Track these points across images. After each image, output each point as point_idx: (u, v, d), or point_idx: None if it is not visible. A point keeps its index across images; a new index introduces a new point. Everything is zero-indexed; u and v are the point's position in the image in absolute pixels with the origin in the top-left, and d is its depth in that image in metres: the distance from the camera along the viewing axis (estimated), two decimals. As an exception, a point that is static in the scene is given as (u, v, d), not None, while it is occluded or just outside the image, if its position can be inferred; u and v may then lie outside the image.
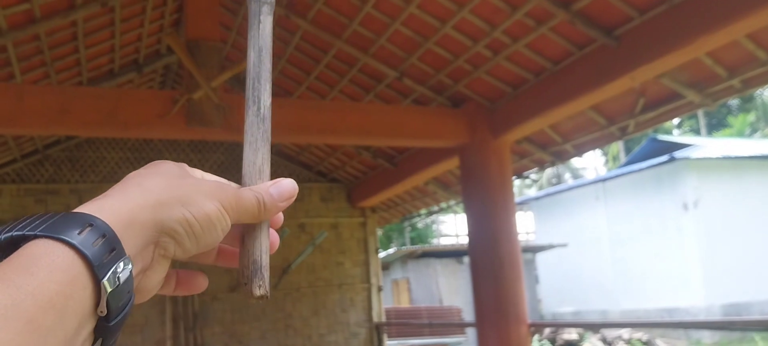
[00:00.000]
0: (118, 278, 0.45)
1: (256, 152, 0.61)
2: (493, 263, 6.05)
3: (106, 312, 0.45)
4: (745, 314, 14.85)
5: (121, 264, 0.46)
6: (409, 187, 8.71)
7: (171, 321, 8.37)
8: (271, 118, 0.67)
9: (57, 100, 5.20)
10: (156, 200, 0.51)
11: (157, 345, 8.33)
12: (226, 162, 9.20)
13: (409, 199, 9.62)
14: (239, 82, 7.99)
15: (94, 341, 0.46)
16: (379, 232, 11.93)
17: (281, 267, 9.19)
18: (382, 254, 15.88)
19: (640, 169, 17.61)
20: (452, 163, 7.22)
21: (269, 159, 0.61)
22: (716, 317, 14.91)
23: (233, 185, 0.60)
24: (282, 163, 9.47)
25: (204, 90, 5.38)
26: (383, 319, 9.95)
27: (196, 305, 8.53)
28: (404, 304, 17.55)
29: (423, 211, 10.52)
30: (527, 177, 7.59)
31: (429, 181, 8.48)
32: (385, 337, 9.77)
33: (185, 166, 0.58)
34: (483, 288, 6.12)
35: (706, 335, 15.84)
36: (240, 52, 6.90)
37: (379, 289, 9.84)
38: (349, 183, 9.68)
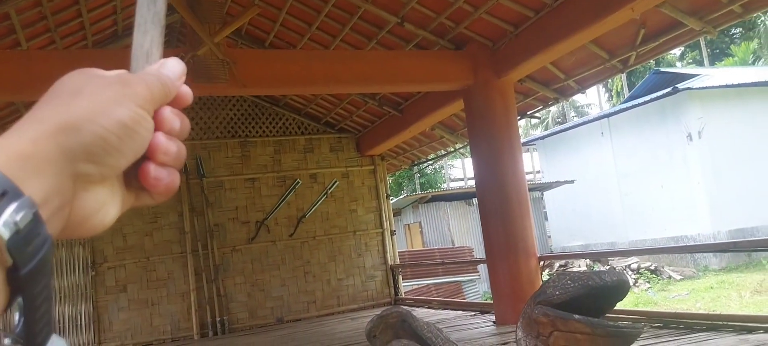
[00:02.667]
0: (16, 222, 0.40)
1: (145, 35, 0.55)
2: (501, 200, 6.25)
3: (11, 262, 0.40)
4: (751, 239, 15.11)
5: (15, 206, 0.40)
6: (415, 133, 8.87)
7: (194, 274, 8.69)
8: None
9: (64, 65, 5.24)
10: (56, 126, 0.45)
11: (182, 297, 8.67)
12: (235, 117, 9.35)
13: (417, 145, 9.80)
14: (242, 36, 8.09)
15: (11, 295, 0.41)
16: (390, 179, 12.16)
17: (296, 216, 9.45)
18: (393, 200, 16.15)
19: (644, 103, 17.64)
20: (457, 107, 7.36)
21: (160, 43, 0.55)
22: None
23: (132, 76, 0.51)
24: (290, 116, 9.62)
25: (207, 46, 5.51)
26: (398, 261, 10.25)
27: (217, 258, 8.84)
28: (417, 247, 17.94)
29: (431, 156, 10.70)
30: (532, 116, 7.73)
31: (435, 126, 8.64)
32: (400, 278, 10.09)
33: (87, 70, 0.51)
34: (492, 225, 6.34)
35: (713, 262, 16.17)
36: (241, 6, 6.97)
37: (392, 233, 10.11)
38: (357, 133, 9.84)
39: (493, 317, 6.59)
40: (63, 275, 8.18)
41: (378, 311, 8.20)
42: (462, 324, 6.76)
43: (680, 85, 16.60)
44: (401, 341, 1.55)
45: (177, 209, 8.81)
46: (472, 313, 7.53)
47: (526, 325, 1.88)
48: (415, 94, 7.84)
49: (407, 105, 8.16)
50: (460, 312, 7.83)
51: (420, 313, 8.27)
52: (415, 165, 11.37)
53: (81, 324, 8.18)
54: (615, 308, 1.89)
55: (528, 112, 7.51)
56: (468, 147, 8.28)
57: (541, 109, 7.54)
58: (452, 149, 10.22)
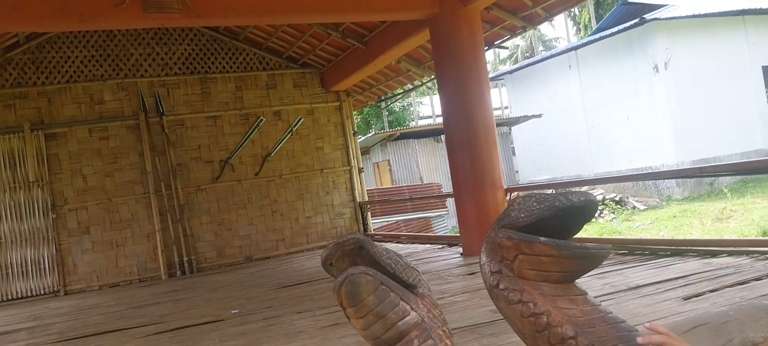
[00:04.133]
0: None
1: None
2: (468, 133, 6.17)
3: None
4: (712, 168, 15.42)
5: None
6: (381, 67, 8.68)
7: (158, 215, 8.52)
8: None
9: (6, -3, 4.99)
10: None
11: (147, 238, 8.52)
12: (194, 52, 9.01)
13: (384, 79, 9.60)
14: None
15: None
16: (357, 117, 11.96)
17: (261, 155, 9.27)
18: (361, 139, 16.01)
19: (611, 35, 17.60)
20: (423, 38, 7.18)
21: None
22: (685, 173, 15.47)
23: None
24: (250, 50, 9.31)
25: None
26: (366, 199, 10.21)
27: (181, 198, 8.66)
28: (386, 185, 17.95)
29: (398, 91, 10.53)
30: (500, 46, 7.59)
31: (401, 59, 8.45)
32: (369, 215, 10.07)
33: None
34: (459, 159, 6.28)
35: (676, 192, 16.54)
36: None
37: (360, 170, 10.03)
38: (322, 67, 9.59)
39: (461, 249, 6.62)
40: (22, 219, 7.93)
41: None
42: (430, 257, 6.79)
43: (647, 16, 16.55)
44: (358, 267, 1.46)
45: (137, 149, 8.55)
46: (440, 246, 7.57)
47: (489, 250, 1.81)
48: (380, 25, 7.61)
49: (371, 37, 7.93)
50: (428, 246, 7.87)
51: (389, 247, 8.28)
52: (381, 100, 11.20)
53: (44, 267, 8.00)
54: (580, 233, 1.82)
55: (495, 42, 7.37)
56: (435, 81, 8.14)
57: (509, 39, 7.40)
58: (419, 83, 10.06)
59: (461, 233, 6.58)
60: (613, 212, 15.27)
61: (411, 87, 10.20)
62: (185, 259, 8.60)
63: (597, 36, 18.64)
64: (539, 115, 19.21)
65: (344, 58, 8.85)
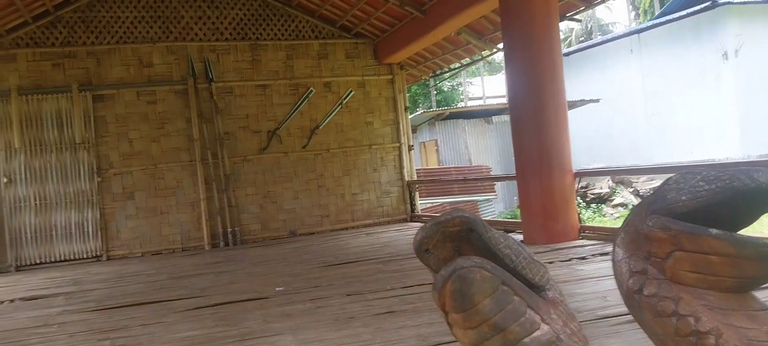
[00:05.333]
0: None
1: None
2: (536, 110, 5.68)
3: None
4: (782, 164, 14.43)
5: None
6: (439, 38, 8.19)
7: (203, 183, 8.30)
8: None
9: None
10: None
11: (192, 207, 8.32)
12: (245, 17, 8.70)
13: (440, 52, 9.10)
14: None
15: None
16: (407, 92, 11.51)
17: (310, 127, 8.95)
18: (409, 116, 15.56)
19: (679, 18, 16.62)
20: (488, 6, 6.68)
21: None
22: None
23: None
24: (303, 17, 8.94)
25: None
26: (415, 177, 9.80)
27: (227, 167, 8.42)
28: (432, 165, 17.48)
29: (455, 65, 10.01)
30: (572, 18, 7.00)
31: (461, 29, 7.94)
32: (417, 195, 9.66)
33: None
34: (526, 137, 5.80)
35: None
36: None
37: (410, 148, 9.62)
38: (375, 38, 9.17)
39: (521, 236, 6.15)
40: (68, 181, 7.81)
41: (396, 228, 7.77)
42: (486, 242, 6.34)
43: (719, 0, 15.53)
44: (470, 258, 1.05)
45: (185, 115, 8.33)
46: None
47: (630, 242, 1.36)
48: (442, -8, 7.12)
49: (432, 4, 7.44)
50: (482, 230, 7.40)
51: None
52: (435, 75, 10.69)
53: (88, 231, 7.88)
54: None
55: (569, 14, 6.80)
56: (495, 55, 7.64)
57: (584, 10, 6.82)
58: (479, 57, 9.53)
59: (523, 219, 6.10)
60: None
61: (469, 61, 9.66)
62: (229, 230, 8.38)
63: (662, 19, 17.65)
64: (597, 100, 18.36)
65: (400, 29, 8.40)
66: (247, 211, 8.61)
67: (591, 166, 19.67)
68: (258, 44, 8.74)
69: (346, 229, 9.04)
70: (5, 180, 7.54)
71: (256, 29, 8.75)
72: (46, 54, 7.83)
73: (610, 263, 1.44)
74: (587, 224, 8.26)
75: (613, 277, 1.42)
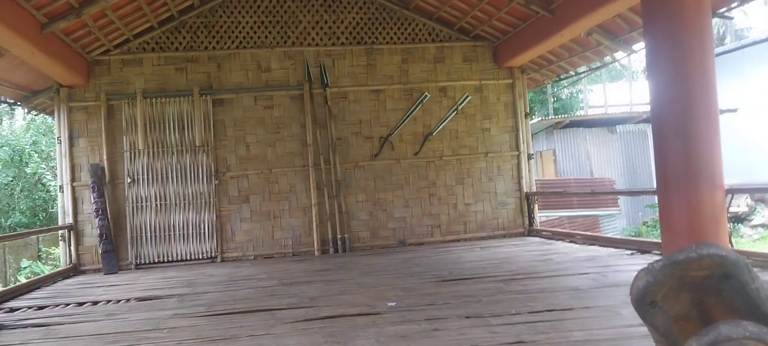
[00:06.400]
0: None
1: None
2: (683, 117, 4.97)
3: None
4: None
5: None
6: (568, 38, 7.55)
7: (315, 189, 8.21)
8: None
9: None
10: None
11: (303, 212, 8.25)
12: (362, 21, 8.54)
13: (566, 54, 8.44)
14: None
15: None
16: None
17: (423, 133, 8.63)
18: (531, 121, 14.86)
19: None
20: (625, 4, 6.04)
21: None
22: None
23: None
24: (420, 20, 8.65)
25: None
26: (534, 189, 9.19)
27: (339, 173, 8.28)
28: (549, 176, 16.61)
29: (582, 69, 9.29)
30: (724, 16, 6.17)
31: (592, 30, 7.28)
32: (536, 208, 9.04)
33: None
34: (670, 147, 5.09)
35: None
36: None
37: (529, 157, 9.03)
38: (495, 40, 8.69)
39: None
40: (187, 183, 7.98)
41: (513, 242, 7.21)
42: (618, 264, 5.69)
43: None
44: (740, 325, 0.62)
45: (300, 120, 8.29)
46: (630, 252, 6.38)
47: None
48: (572, -11, 6.53)
49: (560, 3, 6.86)
50: (611, 250, 6.71)
51: (562, 248, 7.25)
52: (559, 79, 10.00)
53: (204, 232, 8.01)
54: None
55: (721, 10, 5.99)
56: (625, 59, 6.88)
57: (739, 5, 5.97)
58: (610, 60, 8.76)
59: (663, 238, 5.38)
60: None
61: (598, 65, 8.91)
62: (339, 236, 8.22)
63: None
64: (734, 110, 16.68)
65: (523, 30, 7.87)
66: (357, 218, 8.42)
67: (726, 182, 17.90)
68: (374, 48, 8.55)
69: (458, 241, 8.61)
70: (129, 180, 7.83)
71: (371, 33, 8.57)
72: (169, 58, 8.07)
73: None
74: (739, 248, 7.28)
75: None
